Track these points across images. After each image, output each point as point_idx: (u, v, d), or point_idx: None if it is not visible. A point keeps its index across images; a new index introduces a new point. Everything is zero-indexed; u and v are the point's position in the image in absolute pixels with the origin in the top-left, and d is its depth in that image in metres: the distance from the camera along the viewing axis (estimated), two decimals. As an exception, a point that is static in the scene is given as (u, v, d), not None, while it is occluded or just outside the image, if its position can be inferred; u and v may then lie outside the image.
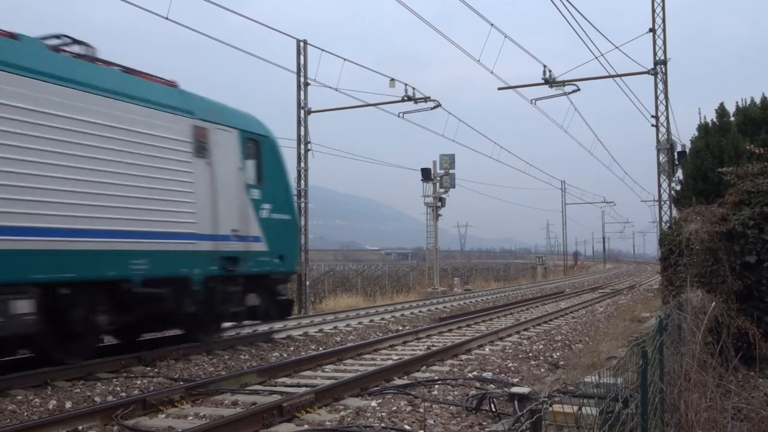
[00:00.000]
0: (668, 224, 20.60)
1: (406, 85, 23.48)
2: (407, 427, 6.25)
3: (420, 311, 18.81)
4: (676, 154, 22.35)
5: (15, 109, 8.27)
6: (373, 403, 7.13)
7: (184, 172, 10.64)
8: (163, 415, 7.02)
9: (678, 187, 29.28)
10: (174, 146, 10.50)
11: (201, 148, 10.98)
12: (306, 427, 6.37)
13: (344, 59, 21.13)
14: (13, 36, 8.71)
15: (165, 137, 10.33)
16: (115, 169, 9.47)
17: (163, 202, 10.20)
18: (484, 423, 6.38)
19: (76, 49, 9.99)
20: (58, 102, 8.79)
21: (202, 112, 11.25)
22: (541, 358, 10.26)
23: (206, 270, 10.93)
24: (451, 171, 33.38)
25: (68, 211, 8.82)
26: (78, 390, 8.38)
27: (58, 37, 9.96)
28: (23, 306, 8.23)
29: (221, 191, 11.29)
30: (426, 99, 23.66)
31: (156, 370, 9.77)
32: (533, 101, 24.28)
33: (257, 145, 12.39)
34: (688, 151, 27.44)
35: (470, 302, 22.57)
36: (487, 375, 8.71)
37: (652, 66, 21.56)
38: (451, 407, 6.92)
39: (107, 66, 10.24)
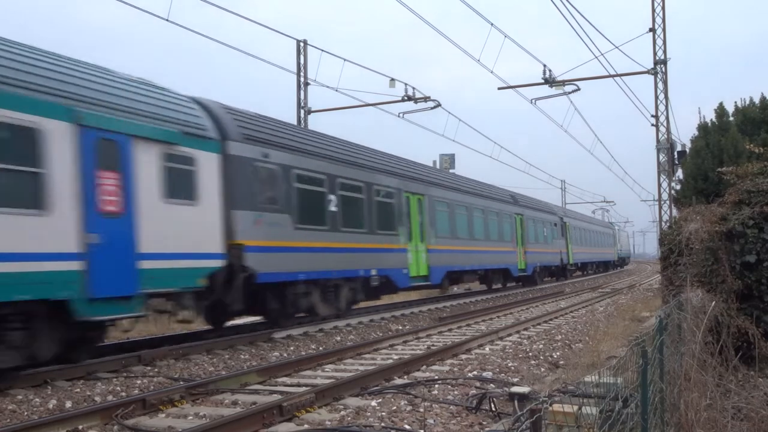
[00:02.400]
0: (668, 224, 20.61)
1: (406, 84, 23.52)
2: (407, 426, 6.25)
3: (420, 311, 18.81)
4: (676, 153, 22.37)
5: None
6: (373, 403, 7.13)
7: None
8: (163, 415, 7.02)
9: (678, 187, 29.29)
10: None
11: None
12: (306, 426, 6.37)
13: (344, 59, 21.18)
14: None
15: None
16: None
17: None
18: (484, 423, 6.38)
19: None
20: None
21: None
22: (541, 357, 10.26)
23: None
24: (451, 170, 33.41)
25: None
26: (78, 389, 8.38)
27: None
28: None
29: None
30: (426, 99, 23.68)
31: (156, 369, 9.78)
32: (533, 101, 24.31)
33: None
34: (688, 150, 27.44)
35: (470, 302, 22.56)
36: (487, 374, 8.70)
37: (652, 66, 21.59)
38: (451, 407, 6.92)
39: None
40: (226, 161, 12.15)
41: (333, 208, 15.29)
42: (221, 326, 13.81)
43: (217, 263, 11.74)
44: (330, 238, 15.16)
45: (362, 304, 18.35)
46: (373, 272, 16.78)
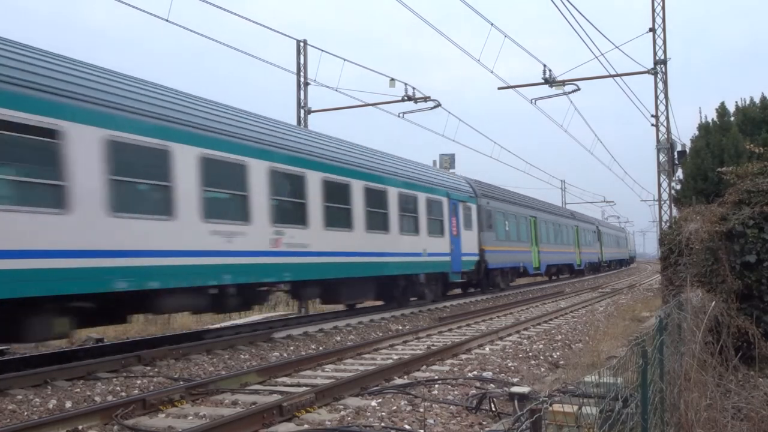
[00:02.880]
0: (668, 224, 20.61)
1: (406, 84, 23.50)
2: (407, 426, 6.25)
3: (420, 311, 18.82)
4: (676, 153, 22.35)
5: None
6: (373, 403, 7.13)
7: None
8: (163, 415, 7.02)
9: (678, 187, 29.28)
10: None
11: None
12: (306, 426, 6.37)
13: (344, 59, 21.18)
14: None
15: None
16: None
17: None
18: (484, 423, 6.38)
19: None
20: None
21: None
22: (541, 357, 10.26)
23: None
24: (451, 170, 33.42)
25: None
26: (78, 389, 8.38)
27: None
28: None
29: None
30: (426, 99, 23.65)
31: (156, 369, 9.78)
32: (533, 101, 24.31)
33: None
34: (688, 150, 27.43)
35: (470, 302, 22.57)
36: (487, 374, 8.70)
37: (652, 65, 21.59)
38: (451, 407, 6.92)
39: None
40: (477, 207, 24.54)
41: (507, 228, 28.24)
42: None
43: (476, 258, 24.03)
44: (507, 244, 27.91)
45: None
46: (521, 264, 29.81)
